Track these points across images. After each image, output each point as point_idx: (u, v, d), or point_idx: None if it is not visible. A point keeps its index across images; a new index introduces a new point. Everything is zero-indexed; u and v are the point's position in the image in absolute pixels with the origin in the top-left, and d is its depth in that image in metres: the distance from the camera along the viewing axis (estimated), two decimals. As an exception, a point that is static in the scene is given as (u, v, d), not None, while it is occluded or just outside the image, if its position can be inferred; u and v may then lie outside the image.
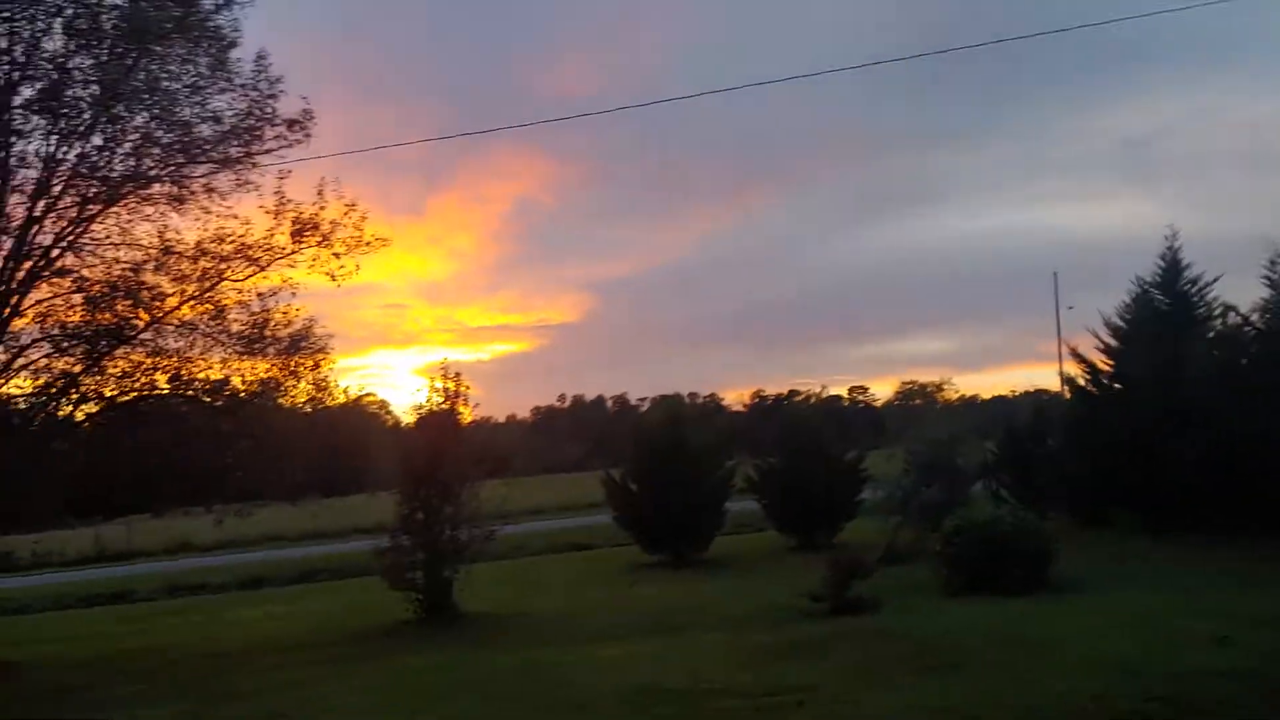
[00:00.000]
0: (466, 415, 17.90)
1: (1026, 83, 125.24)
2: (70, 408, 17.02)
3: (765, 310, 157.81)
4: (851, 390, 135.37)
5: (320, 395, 17.78)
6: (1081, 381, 24.22)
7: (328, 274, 16.68)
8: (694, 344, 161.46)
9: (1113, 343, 23.37)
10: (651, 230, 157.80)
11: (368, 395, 19.15)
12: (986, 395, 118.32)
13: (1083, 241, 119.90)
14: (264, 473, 16.87)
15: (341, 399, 19.16)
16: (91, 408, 17.02)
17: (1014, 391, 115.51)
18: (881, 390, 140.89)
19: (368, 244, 16.70)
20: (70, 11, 15.55)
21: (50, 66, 15.47)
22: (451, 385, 17.67)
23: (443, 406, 17.50)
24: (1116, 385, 23.27)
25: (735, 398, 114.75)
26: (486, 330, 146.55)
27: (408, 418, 19.75)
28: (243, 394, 17.31)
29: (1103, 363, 23.65)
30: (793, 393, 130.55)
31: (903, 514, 21.06)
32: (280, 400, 17.82)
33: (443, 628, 16.55)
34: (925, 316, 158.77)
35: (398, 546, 17.32)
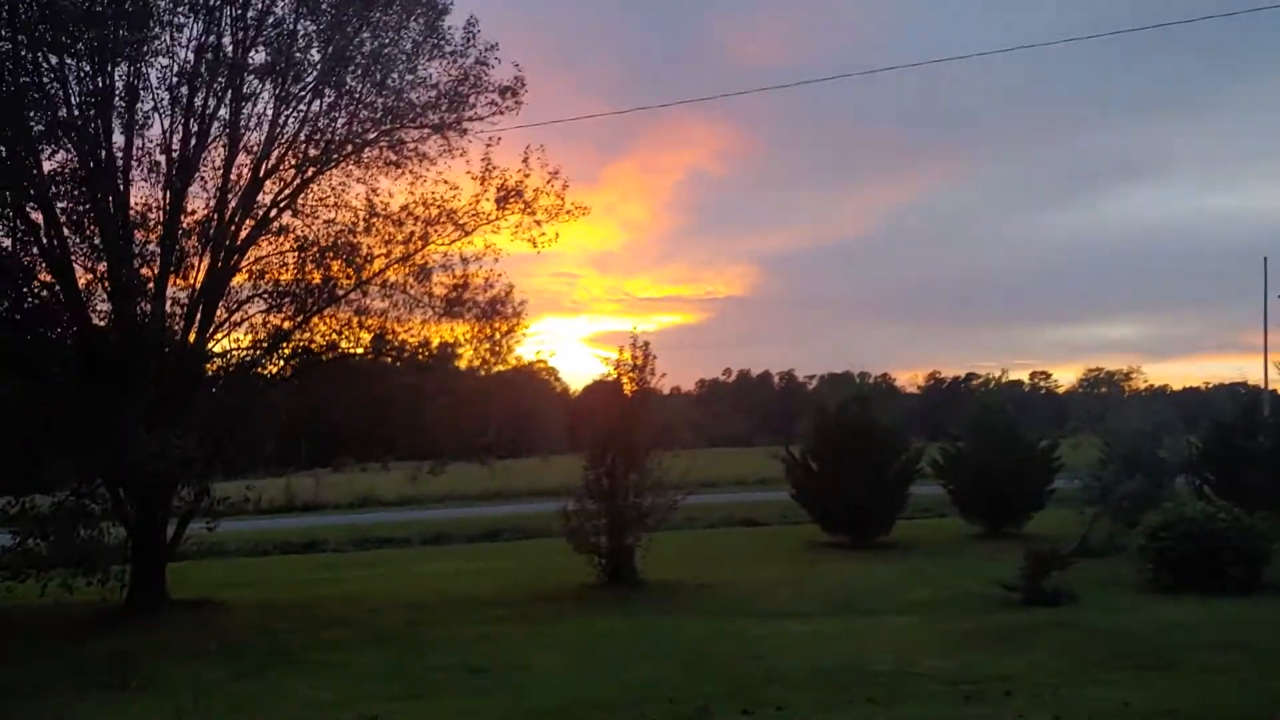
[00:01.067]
0: (654, 384, 17.93)
1: (1241, 56, 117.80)
2: (281, 363, 17.81)
3: (942, 289, 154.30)
4: (1033, 375, 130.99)
5: (493, 359, 18.08)
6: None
7: (529, 240, 17.02)
8: (864, 321, 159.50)
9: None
10: (825, 203, 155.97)
11: (540, 361, 19.36)
12: (1177, 386, 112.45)
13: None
14: (461, 432, 17.33)
15: (515, 363, 19.37)
16: (299, 363, 17.76)
17: (1208, 383, 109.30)
18: (1064, 376, 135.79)
19: (568, 212, 16.95)
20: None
21: (277, 32, 16.17)
22: (639, 356, 17.72)
23: (631, 374, 17.59)
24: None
25: (909, 378, 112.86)
26: (654, 301, 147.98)
27: (589, 384, 19.99)
28: (440, 355, 17.80)
29: (1329, 356, 21.93)
30: (970, 375, 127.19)
31: (1101, 506, 20.10)
32: (466, 363, 18.29)
33: (626, 593, 16.73)
34: (1114, 301, 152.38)
35: (583, 510, 17.57)
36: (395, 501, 37.21)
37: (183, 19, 16.18)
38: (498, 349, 18.01)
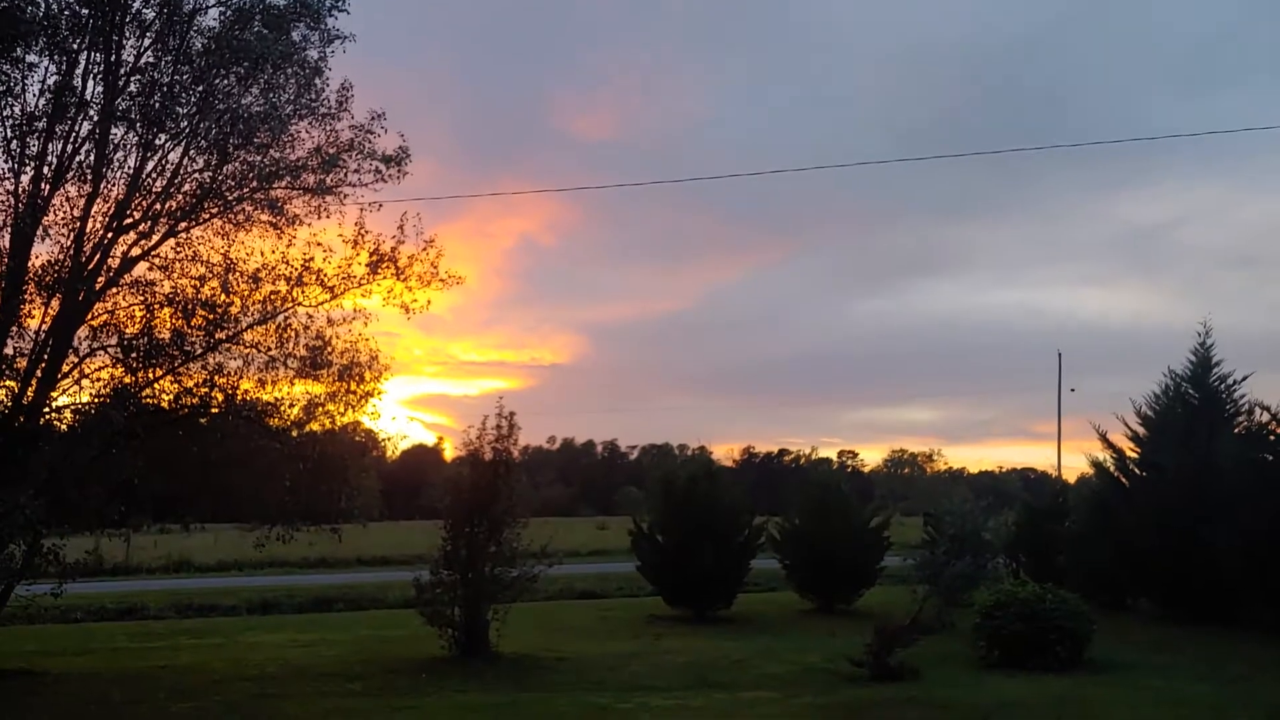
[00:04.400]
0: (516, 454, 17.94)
1: (1042, 164, 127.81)
2: (125, 419, 16.94)
3: (758, 367, 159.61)
4: (841, 454, 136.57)
5: (309, 418, 17.70)
6: (1109, 466, 24.51)
7: (401, 306, 16.91)
8: (684, 394, 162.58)
9: (1142, 431, 23.71)
10: (652, 277, 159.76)
11: (359, 423, 18.65)
12: (973, 469, 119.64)
13: (1083, 325, 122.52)
14: (316, 497, 16.85)
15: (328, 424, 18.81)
16: (147, 420, 16.94)
17: (1001, 467, 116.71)
18: (870, 456, 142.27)
19: (442, 280, 16.94)
20: (165, 30, 15.84)
21: (144, 82, 15.72)
22: (504, 425, 17.71)
23: (495, 444, 17.54)
24: (1143, 473, 23.56)
25: (725, 452, 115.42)
26: (477, 365, 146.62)
27: (456, 453, 19.63)
28: (296, 418, 17.35)
29: (1130, 450, 23.96)
30: (783, 451, 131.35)
31: (933, 584, 21.17)
32: (321, 423, 17.85)
33: (481, 667, 16.47)
34: (916, 386, 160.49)
35: (439, 582, 17.30)
36: (213, 567, 35.49)
37: (34, 58, 15.61)
38: (313, 409, 17.62)
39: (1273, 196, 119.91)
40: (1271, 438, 22.47)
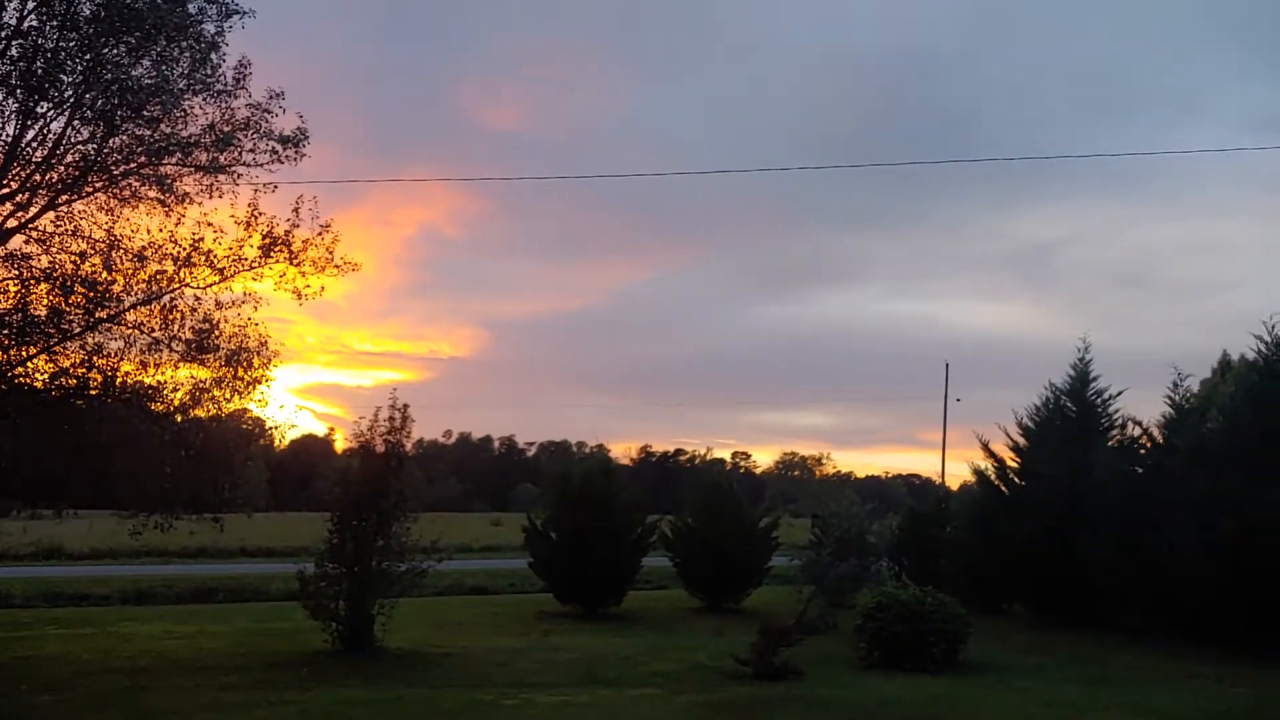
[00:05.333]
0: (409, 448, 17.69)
1: (947, 179, 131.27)
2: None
3: (659, 368, 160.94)
4: (735, 455, 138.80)
5: (194, 403, 17.26)
6: (990, 474, 25.28)
7: (294, 291, 16.52)
8: (585, 392, 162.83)
9: (1022, 442, 24.52)
10: (557, 274, 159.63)
11: (248, 412, 18.21)
12: (860, 473, 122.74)
13: (973, 337, 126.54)
14: (199, 486, 16.37)
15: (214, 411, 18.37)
16: (19, 400, 16.26)
17: (887, 472, 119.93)
18: (763, 458, 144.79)
19: (337, 266, 16.61)
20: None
21: (26, 46, 15.05)
22: (396, 418, 17.43)
23: (387, 436, 17.26)
24: (1022, 482, 24.36)
25: (623, 451, 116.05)
26: (372, 355, 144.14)
27: (282, 436, 19.25)
28: (180, 403, 16.84)
29: (1011, 459, 24.76)
30: (679, 451, 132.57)
31: (818, 585, 21.54)
32: (206, 409, 17.37)
33: (366, 662, 16.19)
34: (809, 391, 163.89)
35: (324, 575, 16.96)
36: (87, 555, 34.18)
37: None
38: (199, 393, 17.18)
39: (1159, 222, 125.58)
40: (1141, 451, 23.52)
